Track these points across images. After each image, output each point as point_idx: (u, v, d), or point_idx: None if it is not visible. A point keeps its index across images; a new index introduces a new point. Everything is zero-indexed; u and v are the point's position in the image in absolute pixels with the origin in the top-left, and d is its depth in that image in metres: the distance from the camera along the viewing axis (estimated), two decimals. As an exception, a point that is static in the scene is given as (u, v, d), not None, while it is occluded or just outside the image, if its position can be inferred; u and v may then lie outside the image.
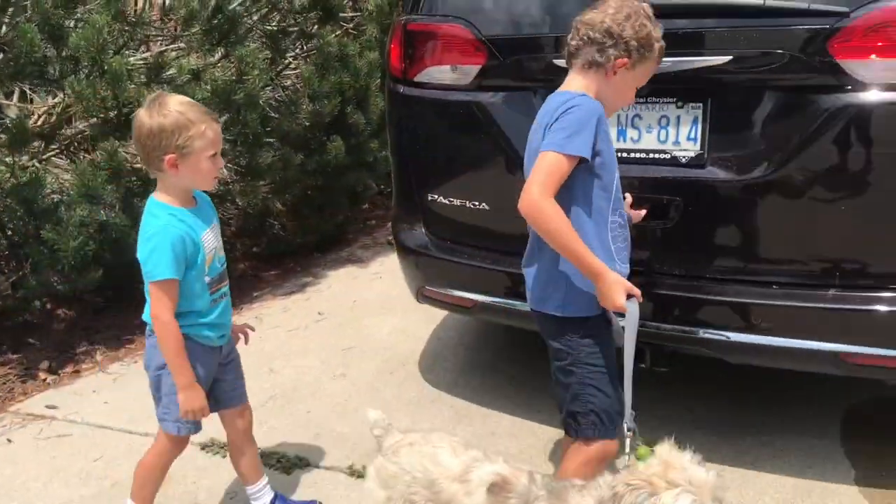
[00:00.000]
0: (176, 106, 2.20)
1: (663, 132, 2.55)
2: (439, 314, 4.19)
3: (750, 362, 2.64)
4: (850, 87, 2.27)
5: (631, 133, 2.61)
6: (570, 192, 2.06)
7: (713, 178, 2.49)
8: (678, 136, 2.53)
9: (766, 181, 2.41)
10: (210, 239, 2.32)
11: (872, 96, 2.25)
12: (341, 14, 5.20)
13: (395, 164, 3.28)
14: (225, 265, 2.42)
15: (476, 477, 1.93)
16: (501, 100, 2.80)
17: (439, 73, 2.92)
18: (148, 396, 3.47)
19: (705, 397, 3.22)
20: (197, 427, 2.45)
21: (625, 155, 2.57)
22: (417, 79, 2.99)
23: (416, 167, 3.14)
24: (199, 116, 2.22)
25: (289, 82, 5.07)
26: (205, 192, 2.41)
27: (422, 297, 3.24)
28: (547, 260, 2.16)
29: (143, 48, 4.39)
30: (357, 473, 2.90)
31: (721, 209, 2.51)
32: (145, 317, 2.34)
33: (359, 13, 5.56)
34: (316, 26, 4.93)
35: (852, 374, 2.53)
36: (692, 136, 2.51)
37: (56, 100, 4.20)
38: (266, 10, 4.78)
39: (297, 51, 5.11)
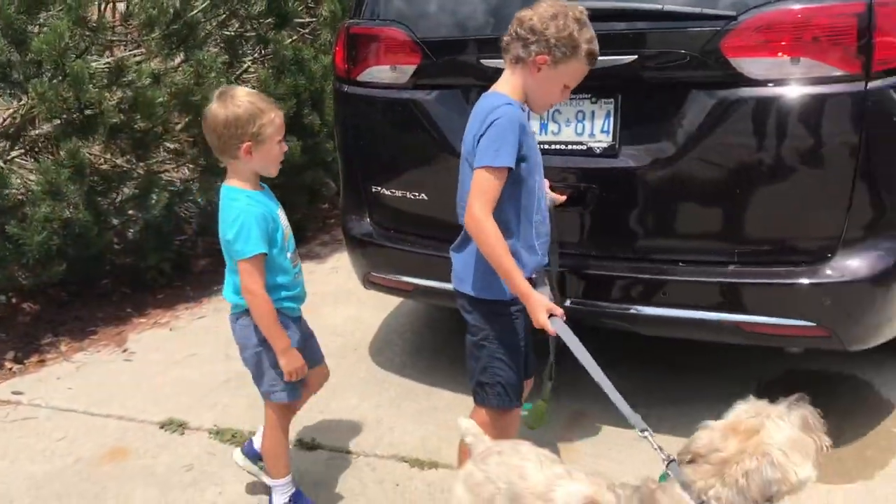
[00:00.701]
0: (246, 97, 2.39)
1: (580, 125, 2.81)
2: (391, 304, 4.42)
3: (661, 334, 2.90)
4: (739, 83, 2.54)
5: (552, 126, 2.86)
6: (500, 196, 2.22)
7: (624, 167, 2.75)
8: (593, 128, 2.78)
9: (671, 168, 2.68)
10: (283, 217, 2.52)
11: (759, 90, 2.52)
12: (297, 20, 5.41)
13: (342, 159, 3.52)
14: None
15: (558, 497, 1.91)
16: (435, 97, 3.04)
17: (379, 73, 3.16)
18: (107, 382, 3.68)
19: (626, 372, 3.47)
20: (298, 394, 2.64)
21: (546, 147, 2.81)
22: (360, 78, 3.23)
23: (360, 161, 3.37)
24: (268, 105, 2.42)
25: (246, 85, 5.26)
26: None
27: (368, 282, 3.47)
28: (472, 247, 2.34)
29: (106, 53, 4.57)
30: (307, 445, 3.13)
31: (632, 194, 2.77)
32: (228, 296, 2.54)
33: (314, 19, 5.77)
34: (272, 32, 5.14)
35: (752, 342, 2.79)
36: (605, 128, 2.76)
37: (21, 103, 4.36)
38: (224, 16, 4.98)
39: (255, 55, 5.31)
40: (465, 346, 2.46)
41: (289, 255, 2.53)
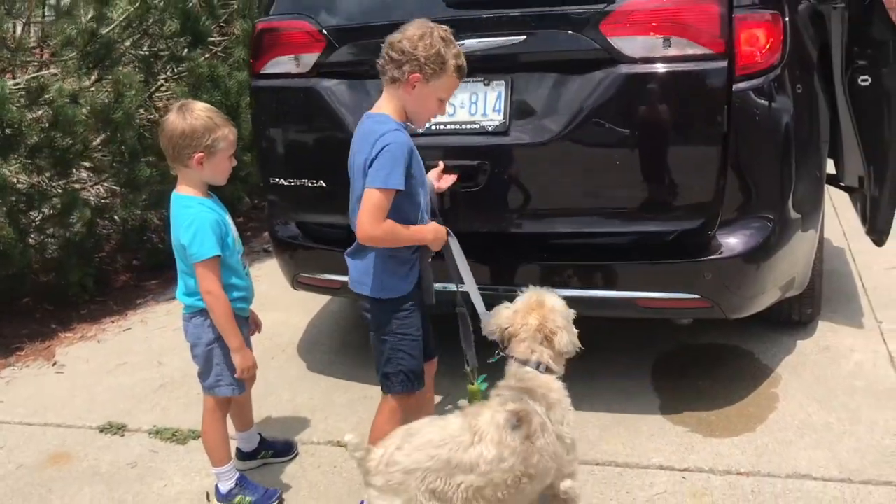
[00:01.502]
0: (204, 111, 2.56)
1: (473, 106, 3.05)
2: (316, 307, 4.64)
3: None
4: (618, 61, 2.84)
5: (447, 109, 3.02)
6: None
7: (514, 143, 3.00)
8: (486, 108, 3.03)
9: (558, 143, 2.93)
10: (231, 222, 2.69)
11: (636, 67, 2.83)
12: (209, 38, 5.58)
13: (259, 161, 3.70)
14: None
15: (483, 426, 2.15)
16: (335, 85, 3.25)
17: (283, 64, 3.36)
18: (40, 393, 3.78)
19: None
20: (243, 387, 2.79)
21: (442, 127, 3.06)
22: (264, 70, 3.43)
23: (272, 156, 3.53)
24: (224, 121, 2.59)
25: (161, 103, 5.39)
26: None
27: (297, 283, 3.68)
28: (367, 254, 2.58)
29: (20, 72, 4.64)
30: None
31: (523, 169, 3.02)
32: (181, 297, 2.68)
33: (226, 37, 5.94)
34: (186, 50, 5.29)
35: (646, 315, 3.15)
36: (497, 108, 3.02)
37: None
38: (138, 35, 5.11)
39: (169, 73, 5.44)
40: (370, 342, 2.70)
41: (239, 256, 2.72)
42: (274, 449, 3.11)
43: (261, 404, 3.53)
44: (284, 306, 4.62)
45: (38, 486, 3.08)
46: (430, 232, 2.57)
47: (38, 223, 4.62)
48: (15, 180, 4.41)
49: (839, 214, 5.54)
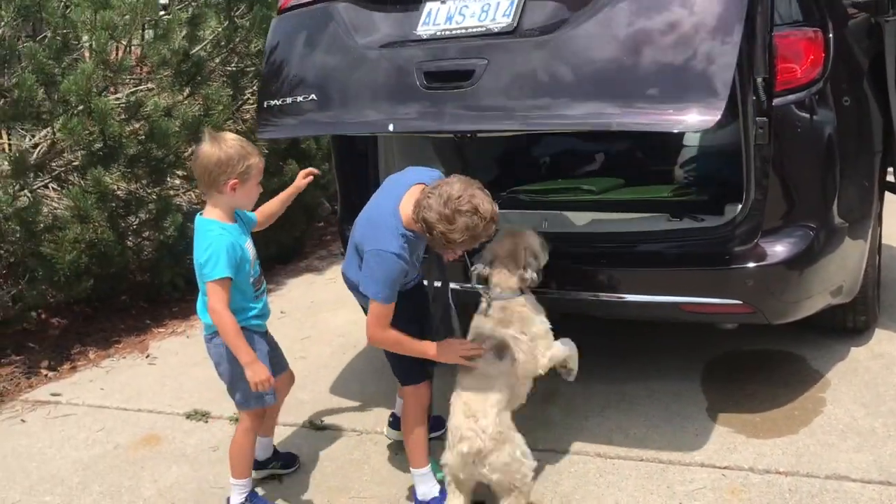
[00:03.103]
0: (236, 141, 2.75)
1: (484, 14, 3.03)
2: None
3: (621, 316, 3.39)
4: None
5: (457, 18, 3.08)
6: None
7: (521, 40, 2.92)
8: (496, 14, 2.99)
9: (565, 41, 2.84)
10: (250, 247, 2.87)
11: None
12: (292, 54, 5.92)
13: (338, 175, 4.00)
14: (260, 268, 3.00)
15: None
16: None
17: None
18: (135, 382, 4.15)
19: (588, 353, 3.96)
20: (272, 398, 2.94)
21: (448, 33, 3.06)
22: None
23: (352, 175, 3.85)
24: (254, 149, 2.79)
25: (248, 115, 5.78)
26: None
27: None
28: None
29: (118, 89, 5.08)
30: (316, 426, 3.60)
31: (529, 67, 2.91)
32: (202, 316, 2.84)
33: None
34: (270, 66, 5.64)
35: (691, 319, 3.28)
36: (507, 13, 2.97)
37: (40, 136, 4.83)
38: (226, 53, 5.50)
39: (255, 88, 5.81)
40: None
41: (252, 279, 2.86)
42: (282, 461, 3.27)
43: (329, 395, 3.84)
44: (354, 306, 4.85)
45: (132, 463, 3.44)
46: (431, 350, 2.84)
47: (135, 227, 5.03)
48: (115, 188, 4.83)
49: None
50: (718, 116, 2.57)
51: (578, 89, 2.82)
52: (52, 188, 4.90)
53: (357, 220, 2.92)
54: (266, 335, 3.01)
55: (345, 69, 3.26)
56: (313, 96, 3.29)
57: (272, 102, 3.42)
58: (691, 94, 2.64)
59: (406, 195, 2.78)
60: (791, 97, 2.94)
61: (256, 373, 2.72)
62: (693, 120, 2.67)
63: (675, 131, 2.56)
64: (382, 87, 3.18)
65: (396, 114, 3.09)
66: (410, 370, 2.97)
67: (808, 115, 2.97)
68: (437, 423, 3.25)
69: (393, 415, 3.39)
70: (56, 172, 4.71)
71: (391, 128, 3.07)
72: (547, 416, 3.48)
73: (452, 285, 3.14)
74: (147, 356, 4.60)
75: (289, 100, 3.31)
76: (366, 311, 2.84)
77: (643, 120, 2.74)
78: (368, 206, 2.92)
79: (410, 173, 2.93)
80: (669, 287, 3.18)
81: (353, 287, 3.03)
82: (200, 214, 2.84)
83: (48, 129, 4.63)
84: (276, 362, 3.05)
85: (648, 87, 2.72)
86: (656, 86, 2.71)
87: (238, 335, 2.71)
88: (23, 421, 3.89)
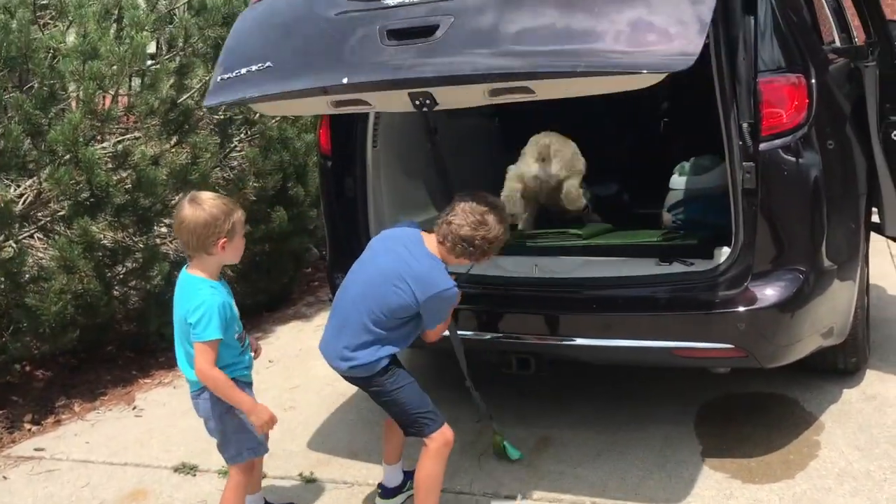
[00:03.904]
0: (215, 198, 2.73)
1: None
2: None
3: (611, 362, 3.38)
4: None
5: None
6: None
7: None
8: None
9: None
10: (233, 303, 2.85)
11: None
12: (280, 102, 5.95)
13: (327, 222, 4.00)
14: None
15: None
16: None
17: None
18: (121, 435, 4.07)
19: (581, 399, 3.94)
20: (265, 447, 2.95)
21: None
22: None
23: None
24: (233, 204, 2.77)
25: (235, 162, 5.78)
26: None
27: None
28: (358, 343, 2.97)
29: (106, 139, 5.07)
30: (306, 479, 3.53)
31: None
32: (187, 373, 2.83)
33: (295, 101, 6.32)
34: (258, 114, 5.67)
35: (683, 364, 3.27)
36: None
37: (25, 185, 4.79)
38: (214, 101, 5.51)
39: (242, 135, 5.83)
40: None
41: (236, 335, 2.84)
42: None
43: (323, 445, 3.79)
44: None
45: (118, 520, 3.36)
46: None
47: (121, 276, 4.99)
48: (101, 237, 4.80)
49: (897, 261, 5.53)
50: (697, 53, 2.39)
51: (549, 35, 2.66)
52: (38, 238, 4.86)
53: (357, 293, 3.01)
54: (251, 386, 2.98)
55: (305, 36, 3.13)
56: (269, 64, 3.10)
57: (226, 76, 3.20)
58: (665, 37, 2.49)
59: (424, 241, 2.90)
60: (777, 142, 2.97)
61: (260, 416, 2.77)
62: (668, 61, 2.46)
63: (646, 72, 2.42)
64: (341, 48, 2.98)
65: (353, 68, 2.88)
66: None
67: (794, 159, 3.00)
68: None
69: (381, 485, 3.32)
70: (42, 222, 4.68)
71: (345, 80, 2.82)
72: (539, 463, 3.43)
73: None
74: (133, 408, 4.53)
75: (243, 70, 3.11)
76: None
77: (613, 61, 2.54)
78: (378, 268, 2.94)
79: (400, 229, 3.04)
80: (661, 332, 3.18)
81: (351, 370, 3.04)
82: (186, 269, 2.82)
83: (34, 178, 4.61)
84: None
85: (618, 30, 2.55)
86: (628, 29, 2.54)
87: (233, 388, 2.74)
88: (4, 478, 3.79)
